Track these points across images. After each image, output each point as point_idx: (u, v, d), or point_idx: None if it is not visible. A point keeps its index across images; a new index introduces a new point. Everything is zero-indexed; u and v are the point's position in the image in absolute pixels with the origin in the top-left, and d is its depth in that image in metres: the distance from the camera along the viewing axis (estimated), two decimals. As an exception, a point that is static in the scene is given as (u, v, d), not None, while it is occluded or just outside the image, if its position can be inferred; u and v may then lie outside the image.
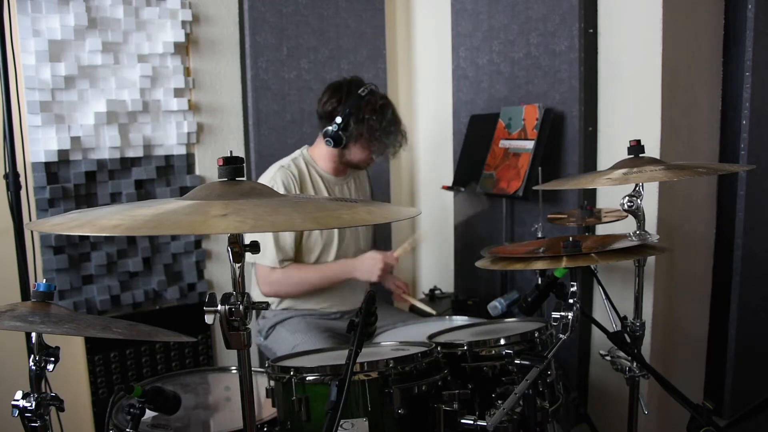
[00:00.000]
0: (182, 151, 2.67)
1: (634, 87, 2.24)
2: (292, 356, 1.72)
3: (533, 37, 2.51)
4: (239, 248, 1.02)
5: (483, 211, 2.72)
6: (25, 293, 2.01)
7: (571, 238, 1.54)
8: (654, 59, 2.14)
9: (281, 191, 2.16)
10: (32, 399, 1.18)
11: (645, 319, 1.66)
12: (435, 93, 3.18)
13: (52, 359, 1.21)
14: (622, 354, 1.60)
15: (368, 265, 2.20)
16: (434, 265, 3.33)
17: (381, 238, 3.14)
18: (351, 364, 1.19)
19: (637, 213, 1.52)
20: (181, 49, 2.63)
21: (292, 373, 1.43)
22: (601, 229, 2.26)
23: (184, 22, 2.61)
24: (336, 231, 2.29)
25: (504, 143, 2.57)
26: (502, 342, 1.63)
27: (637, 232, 1.53)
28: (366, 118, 2.16)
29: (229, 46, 2.78)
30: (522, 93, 2.59)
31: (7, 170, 1.99)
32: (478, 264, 1.61)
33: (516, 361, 1.46)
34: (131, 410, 1.35)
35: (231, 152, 1.09)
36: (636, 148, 1.56)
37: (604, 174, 1.52)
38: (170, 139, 2.64)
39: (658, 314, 2.26)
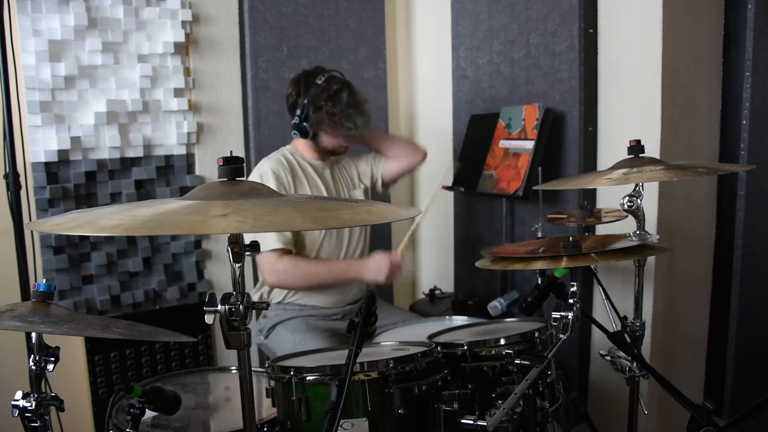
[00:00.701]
0: (182, 151, 2.67)
1: (634, 87, 2.24)
2: (292, 356, 1.72)
3: (533, 37, 2.51)
4: (239, 248, 1.02)
5: (483, 211, 2.71)
6: (25, 293, 2.01)
7: (571, 238, 1.54)
8: (654, 59, 2.14)
9: (272, 182, 2.16)
10: (32, 399, 1.18)
11: (645, 319, 1.66)
12: (435, 93, 3.18)
13: (52, 359, 1.21)
14: (622, 354, 1.60)
15: (375, 266, 2.19)
16: (434, 265, 3.32)
17: (381, 238, 3.14)
18: (351, 364, 1.19)
19: (637, 213, 1.52)
20: (181, 49, 2.63)
21: (292, 373, 1.43)
22: (601, 229, 2.26)
23: (184, 22, 2.61)
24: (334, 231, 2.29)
25: (504, 143, 2.57)
26: (502, 342, 1.62)
27: (637, 232, 1.53)
28: (322, 106, 2.18)
29: (229, 46, 2.78)
30: (522, 93, 2.59)
31: (7, 170, 1.99)
32: (478, 264, 1.61)
33: (516, 361, 1.46)
34: (131, 410, 1.35)
35: (231, 152, 1.09)
36: (636, 148, 1.56)
37: (604, 174, 1.52)
38: (170, 139, 2.64)
39: (658, 314, 2.26)
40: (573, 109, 2.37)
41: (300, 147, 2.35)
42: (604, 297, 1.76)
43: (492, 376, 1.59)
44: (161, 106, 2.60)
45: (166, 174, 2.65)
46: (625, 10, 2.24)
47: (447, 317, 2.34)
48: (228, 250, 1.02)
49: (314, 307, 2.32)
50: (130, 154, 2.56)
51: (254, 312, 1.06)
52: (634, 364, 1.59)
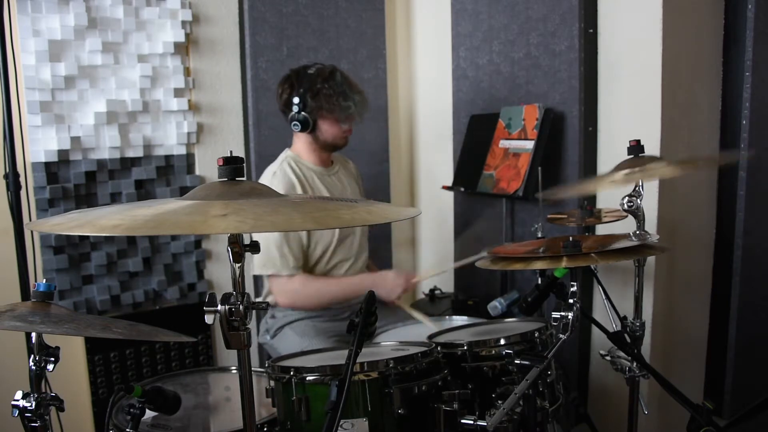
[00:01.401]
0: (182, 151, 2.67)
1: (634, 87, 2.23)
2: (292, 356, 1.72)
3: (533, 37, 2.51)
4: (239, 248, 1.02)
5: (483, 211, 2.72)
6: (25, 293, 2.01)
7: (571, 238, 1.54)
8: (654, 59, 2.14)
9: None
10: (32, 399, 1.18)
11: (645, 319, 1.66)
12: (435, 93, 3.18)
13: (52, 359, 1.21)
14: (622, 354, 1.60)
15: (390, 285, 2.19)
16: (434, 265, 3.32)
17: (380, 237, 3.15)
18: (351, 364, 1.19)
19: (637, 213, 1.52)
20: (181, 49, 2.63)
21: (292, 373, 1.43)
22: (601, 229, 2.26)
23: (184, 22, 2.61)
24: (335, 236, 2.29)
25: (504, 143, 2.57)
26: (502, 342, 1.62)
27: (637, 232, 1.53)
28: (319, 89, 2.17)
29: (229, 46, 2.78)
30: (522, 93, 2.59)
31: (7, 170, 1.99)
32: (478, 264, 1.61)
33: (516, 361, 1.46)
34: (131, 410, 1.35)
35: (231, 152, 1.09)
36: (636, 148, 1.56)
37: (606, 177, 1.52)
38: (170, 139, 2.64)
39: (658, 314, 2.26)
40: (573, 109, 2.37)
41: (300, 151, 2.32)
42: (604, 297, 1.76)
43: (492, 376, 1.59)
44: (161, 106, 2.60)
45: (166, 174, 2.65)
46: (625, 10, 2.24)
47: (447, 317, 2.34)
48: (228, 250, 1.02)
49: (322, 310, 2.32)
50: (130, 154, 2.56)
51: (255, 312, 1.05)
52: (634, 364, 1.59)
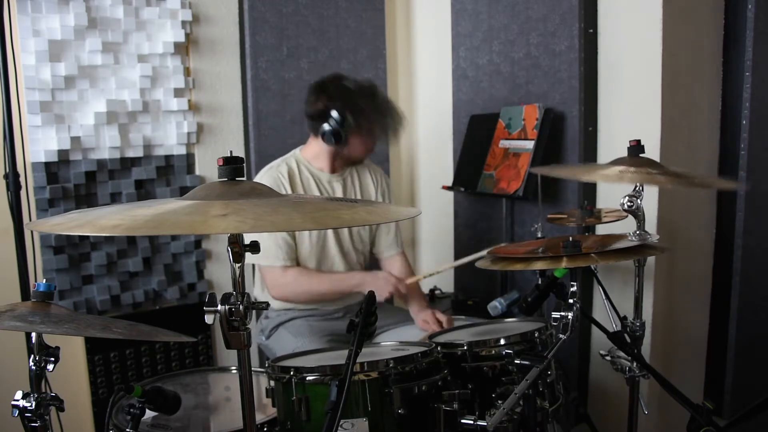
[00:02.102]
0: (182, 151, 2.67)
1: (634, 87, 2.24)
2: (292, 356, 1.72)
3: (533, 37, 2.51)
4: (239, 248, 1.02)
5: (483, 211, 2.72)
6: (25, 293, 2.01)
7: (571, 238, 1.54)
8: (654, 59, 2.14)
9: None
10: (32, 399, 1.18)
11: (645, 319, 1.66)
12: (435, 93, 3.18)
13: (52, 359, 1.21)
14: (622, 354, 1.60)
15: (380, 284, 2.18)
16: (434, 265, 3.32)
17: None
18: (351, 364, 1.19)
19: (637, 213, 1.52)
20: (181, 49, 2.63)
21: (292, 373, 1.43)
22: (601, 229, 2.26)
23: (184, 22, 2.61)
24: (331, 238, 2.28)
25: (504, 143, 2.57)
26: (502, 342, 1.63)
27: (637, 232, 1.53)
28: (362, 108, 2.13)
29: (229, 46, 2.78)
30: (522, 93, 2.59)
31: (7, 170, 1.99)
32: (478, 264, 1.61)
33: (516, 361, 1.46)
34: (131, 410, 1.35)
35: (231, 152, 1.09)
36: (636, 148, 1.56)
37: (600, 168, 1.52)
38: (170, 139, 2.64)
39: (658, 314, 2.27)
40: (573, 109, 2.37)
41: (311, 155, 2.27)
42: (604, 297, 1.76)
43: (492, 376, 1.59)
44: (161, 106, 2.60)
45: (166, 174, 2.65)
46: (625, 10, 2.24)
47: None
48: (228, 250, 1.02)
49: (315, 308, 2.32)
50: (130, 154, 2.55)
51: (254, 312, 1.06)
52: (634, 364, 1.59)
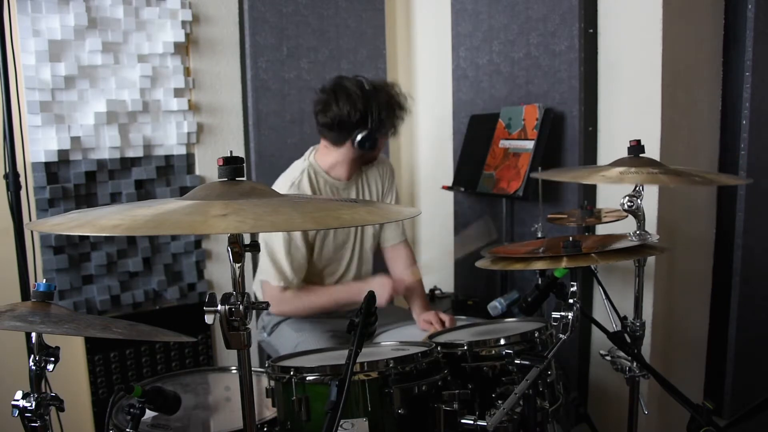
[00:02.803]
0: (182, 151, 2.67)
1: (634, 87, 2.24)
2: (292, 356, 1.72)
3: (533, 37, 2.51)
4: (239, 248, 1.02)
5: (483, 211, 2.72)
6: (25, 293, 2.01)
7: (571, 238, 1.54)
8: (654, 59, 2.14)
9: None
10: (32, 399, 1.18)
11: (645, 319, 1.66)
12: (435, 93, 3.18)
13: (52, 359, 1.21)
14: (622, 354, 1.60)
15: (377, 290, 2.18)
16: (434, 265, 3.32)
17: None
18: (351, 364, 1.19)
19: (637, 213, 1.52)
20: (181, 49, 2.63)
21: (292, 373, 1.43)
22: (601, 229, 2.26)
23: (184, 22, 2.61)
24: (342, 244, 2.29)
25: (504, 143, 2.57)
26: (502, 342, 1.62)
27: (637, 232, 1.53)
28: (393, 110, 2.15)
29: (229, 46, 2.78)
30: (522, 93, 2.59)
31: (7, 170, 1.99)
32: (478, 264, 1.61)
33: (516, 361, 1.46)
34: (131, 410, 1.35)
35: (231, 152, 1.09)
36: (636, 148, 1.56)
37: (600, 170, 1.52)
38: (170, 139, 2.64)
39: (658, 314, 2.27)
40: (573, 109, 2.37)
41: (327, 164, 2.22)
42: (604, 297, 1.76)
43: (492, 376, 1.59)
44: (161, 106, 2.60)
45: (166, 174, 2.65)
46: (625, 10, 2.24)
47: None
48: (228, 250, 1.02)
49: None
50: (130, 154, 2.55)
51: (254, 311, 1.06)
52: (634, 364, 1.59)
